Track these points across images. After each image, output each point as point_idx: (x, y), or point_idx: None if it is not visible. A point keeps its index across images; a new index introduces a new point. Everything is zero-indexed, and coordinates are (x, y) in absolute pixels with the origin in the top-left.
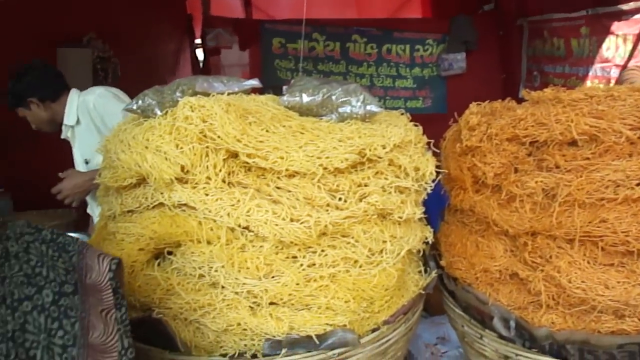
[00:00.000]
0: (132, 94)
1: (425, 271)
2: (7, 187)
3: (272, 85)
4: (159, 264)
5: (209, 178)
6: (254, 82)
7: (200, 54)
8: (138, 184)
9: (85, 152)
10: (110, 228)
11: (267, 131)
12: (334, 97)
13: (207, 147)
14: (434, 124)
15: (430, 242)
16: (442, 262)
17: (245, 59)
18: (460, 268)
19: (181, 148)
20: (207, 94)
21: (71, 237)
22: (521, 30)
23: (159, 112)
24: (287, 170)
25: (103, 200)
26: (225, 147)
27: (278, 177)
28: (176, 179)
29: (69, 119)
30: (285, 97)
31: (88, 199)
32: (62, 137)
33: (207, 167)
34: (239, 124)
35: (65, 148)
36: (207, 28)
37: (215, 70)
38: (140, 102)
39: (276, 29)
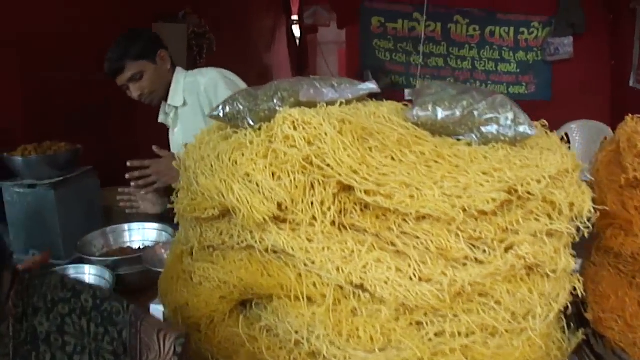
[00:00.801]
0: (227, 70)
1: (568, 326)
2: (95, 163)
3: (369, 66)
4: (245, 315)
5: (314, 218)
6: (372, 86)
7: (296, 31)
8: (222, 214)
9: (188, 135)
10: (185, 265)
11: (392, 159)
12: (476, 113)
13: (313, 178)
14: (538, 111)
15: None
16: (588, 315)
17: (342, 38)
18: (614, 328)
19: (279, 178)
20: (313, 104)
21: (118, 300)
22: (634, 14)
23: (251, 122)
24: (417, 212)
25: (180, 224)
26: (337, 179)
27: (404, 219)
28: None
29: (174, 99)
30: (414, 111)
31: None
32: (160, 120)
33: (312, 204)
34: (357, 150)
35: (157, 124)
36: (305, 5)
37: (312, 48)
38: (228, 108)
39: (376, 7)
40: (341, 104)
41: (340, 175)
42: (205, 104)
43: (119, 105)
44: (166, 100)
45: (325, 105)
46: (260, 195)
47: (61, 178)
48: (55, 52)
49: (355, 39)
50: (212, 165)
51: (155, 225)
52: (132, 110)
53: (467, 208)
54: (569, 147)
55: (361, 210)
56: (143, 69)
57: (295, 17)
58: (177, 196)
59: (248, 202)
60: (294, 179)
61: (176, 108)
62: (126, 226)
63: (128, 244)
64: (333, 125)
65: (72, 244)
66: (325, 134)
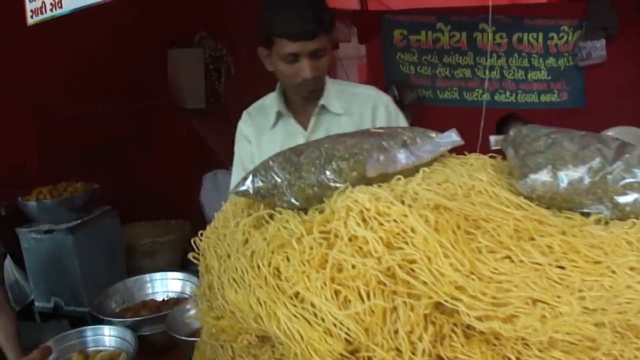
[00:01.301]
0: (248, 94)
1: None
2: (113, 200)
3: (394, 81)
4: None
5: (398, 351)
6: (456, 139)
7: None
8: (263, 338)
9: None
10: None
11: (511, 261)
12: (610, 177)
13: (395, 296)
14: (571, 119)
15: None
16: None
17: (363, 52)
18: None
19: (346, 301)
20: (384, 177)
21: None
22: None
23: (294, 201)
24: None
25: (202, 340)
26: (433, 300)
27: (525, 344)
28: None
29: (331, 102)
30: (528, 180)
31: None
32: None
33: (396, 332)
34: (462, 254)
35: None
36: None
37: (332, 65)
38: (260, 181)
39: (397, 20)
40: (423, 171)
41: (439, 294)
42: (382, 122)
43: (135, 139)
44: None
45: (401, 177)
46: (320, 328)
47: (79, 221)
48: (67, 86)
49: (377, 54)
50: (243, 273)
51: (178, 275)
52: (149, 143)
53: (617, 326)
54: None
55: (464, 332)
56: (326, 47)
57: None
58: (198, 304)
59: (302, 337)
60: (370, 305)
61: (322, 108)
62: (147, 277)
63: (151, 297)
64: (424, 217)
65: (94, 289)
66: (413, 231)
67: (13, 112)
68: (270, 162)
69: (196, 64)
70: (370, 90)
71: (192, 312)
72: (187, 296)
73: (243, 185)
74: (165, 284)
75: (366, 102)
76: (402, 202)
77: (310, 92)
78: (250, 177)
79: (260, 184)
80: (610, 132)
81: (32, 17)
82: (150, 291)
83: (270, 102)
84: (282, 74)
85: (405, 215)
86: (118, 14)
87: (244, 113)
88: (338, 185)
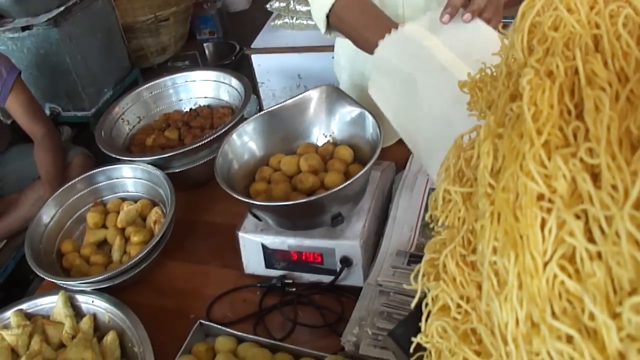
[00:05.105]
0: None
1: None
2: None
3: None
4: None
5: None
6: None
7: None
8: None
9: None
10: None
11: None
12: None
13: None
14: None
15: None
16: None
17: None
18: None
19: None
20: None
21: None
22: None
23: None
24: None
25: None
26: None
27: None
28: None
29: None
30: None
31: None
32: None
33: None
34: None
35: None
36: None
37: None
38: None
39: None
40: None
41: None
42: None
43: None
44: None
45: None
46: None
47: (62, 8)
48: None
49: None
50: None
51: (208, 74)
52: None
53: None
54: None
55: None
56: None
57: None
58: None
59: None
60: None
61: None
62: (169, 81)
63: (175, 107)
64: None
65: (93, 87)
66: None
67: None
68: None
69: None
70: None
71: None
72: (224, 103)
73: None
74: (190, 89)
75: None
76: None
77: None
78: None
79: None
80: None
81: None
82: (173, 99)
83: None
84: None
85: None
86: None
87: None
88: None
